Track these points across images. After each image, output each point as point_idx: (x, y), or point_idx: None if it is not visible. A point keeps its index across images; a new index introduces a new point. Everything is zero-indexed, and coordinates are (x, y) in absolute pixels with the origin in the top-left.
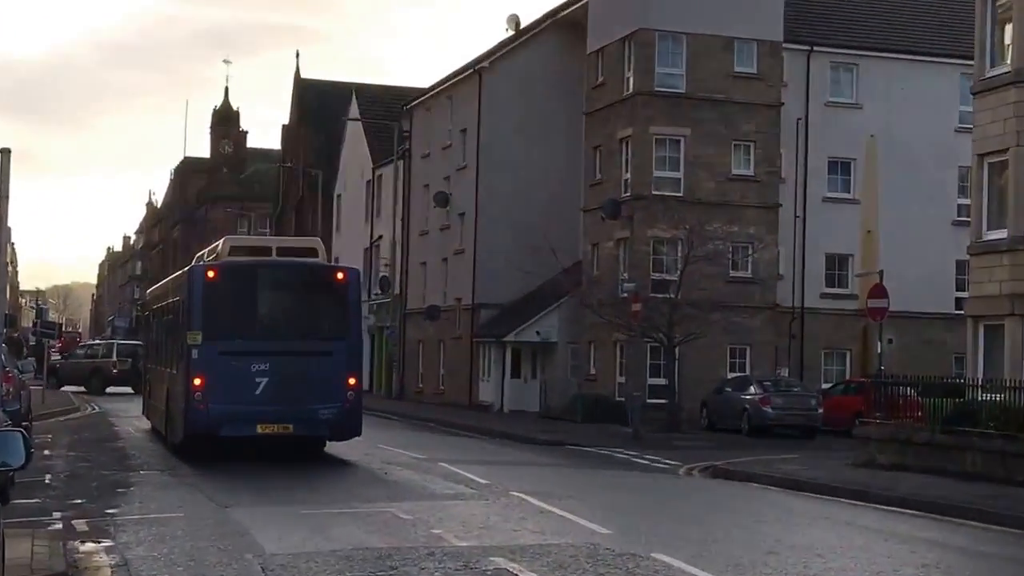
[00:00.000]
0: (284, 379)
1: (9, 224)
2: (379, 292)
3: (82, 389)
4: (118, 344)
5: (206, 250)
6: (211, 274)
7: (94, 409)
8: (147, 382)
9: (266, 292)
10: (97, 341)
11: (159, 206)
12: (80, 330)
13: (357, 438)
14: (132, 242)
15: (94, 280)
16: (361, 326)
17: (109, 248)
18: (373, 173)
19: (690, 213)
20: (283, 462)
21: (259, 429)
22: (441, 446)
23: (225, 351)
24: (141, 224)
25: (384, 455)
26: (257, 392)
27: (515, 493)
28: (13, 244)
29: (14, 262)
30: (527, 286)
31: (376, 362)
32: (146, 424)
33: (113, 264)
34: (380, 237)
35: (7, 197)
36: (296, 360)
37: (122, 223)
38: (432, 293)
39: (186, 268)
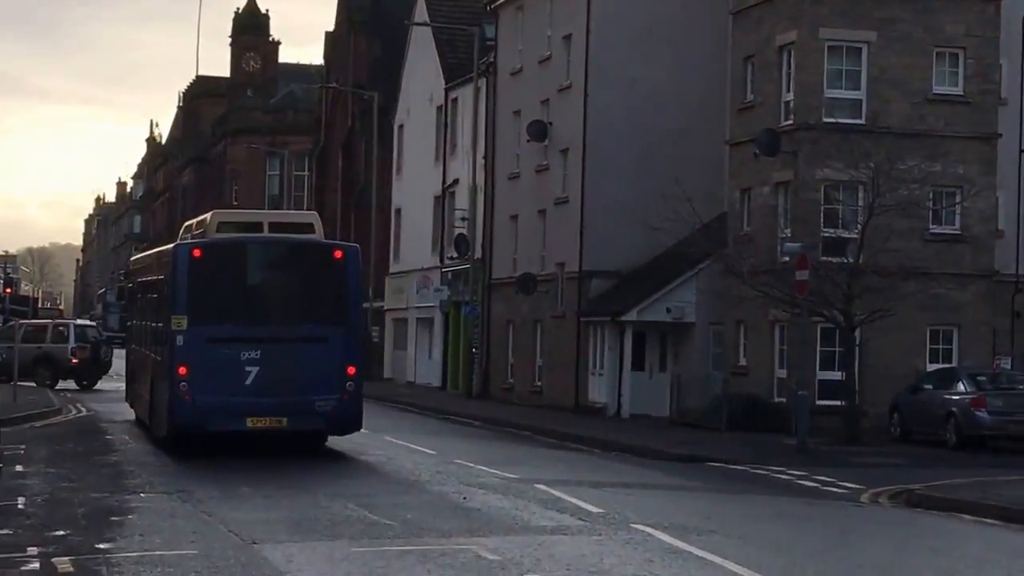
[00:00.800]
0: (277, 368)
1: None
2: (454, 256)
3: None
4: (75, 326)
5: (193, 221)
6: (197, 252)
7: (80, 411)
8: (130, 365)
9: (257, 272)
10: (42, 320)
11: (164, 142)
12: (61, 306)
13: (430, 451)
14: (129, 190)
15: (79, 241)
16: (360, 310)
17: (99, 198)
18: (446, 96)
19: (876, 147)
20: (326, 481)
21: (249, 423)
22: (538, 462)
23: (212, 337)
24: (140, 166)
25: (462, 474)
26: (247, 382)
27: (638, 526)
28: None
29: None
30: (653, 247)
31: (450, 350)
32: (147, 433)
33: (105, 220)
34: (455, 182)
35: None
36: (290, 347)
37: (116, 165)
38: (526, 257)
39: (170, 245)
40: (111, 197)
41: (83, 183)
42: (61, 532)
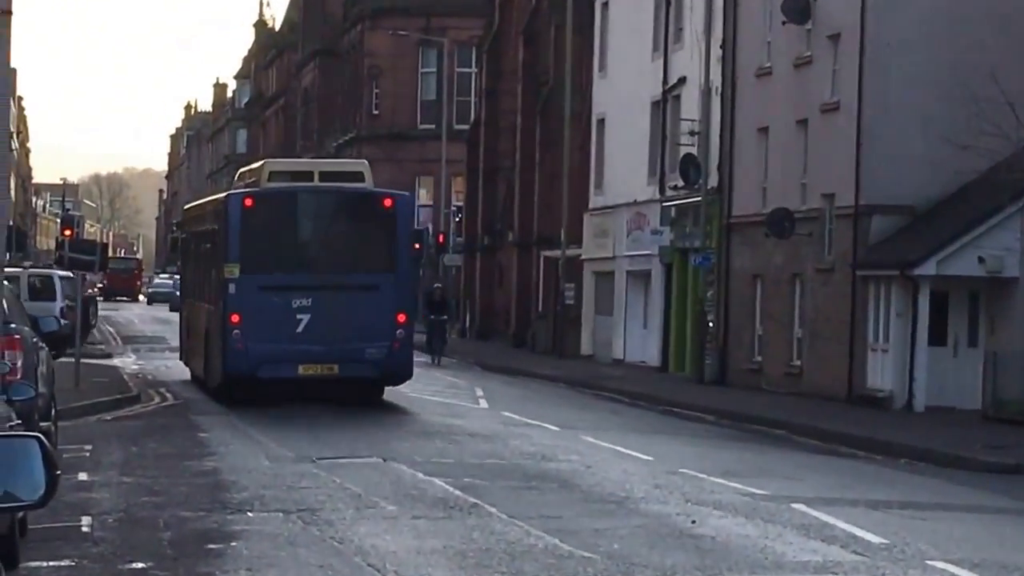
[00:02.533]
0: (327, 316)
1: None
2: (679, 186)
3: None
4: (60, 277)
5: (247, 170)
6: (248, 202)
7: (165, 398)
8: (184, 320)
9: (307, 221)
10: (11, 268)
11: (278, 28)
12: (139, 254)
13: (645, 457)
14: (231, 95)
15: (163, 165)
16: (410, 258)
17: (189, 107)
18: None
19: None
20: (499, 496)
21: (301, 370)
22: (796, 473)
23: (264, 286)
24: (246, 62)
25: (690, 488)
26: (299, 330)
27: (936, 563)
28: (21, 100)
29: (21, 133)
30: (960, 173)
31: (674, 317)
32: (255, 431)
33: (197, 136)
34: (681, 81)
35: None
36: (340, 295)
37: (212, 61)
38: (780, 186)
39: (222, 195)
40: (206, 105)
41: (167, 86)
42: (140, 564)
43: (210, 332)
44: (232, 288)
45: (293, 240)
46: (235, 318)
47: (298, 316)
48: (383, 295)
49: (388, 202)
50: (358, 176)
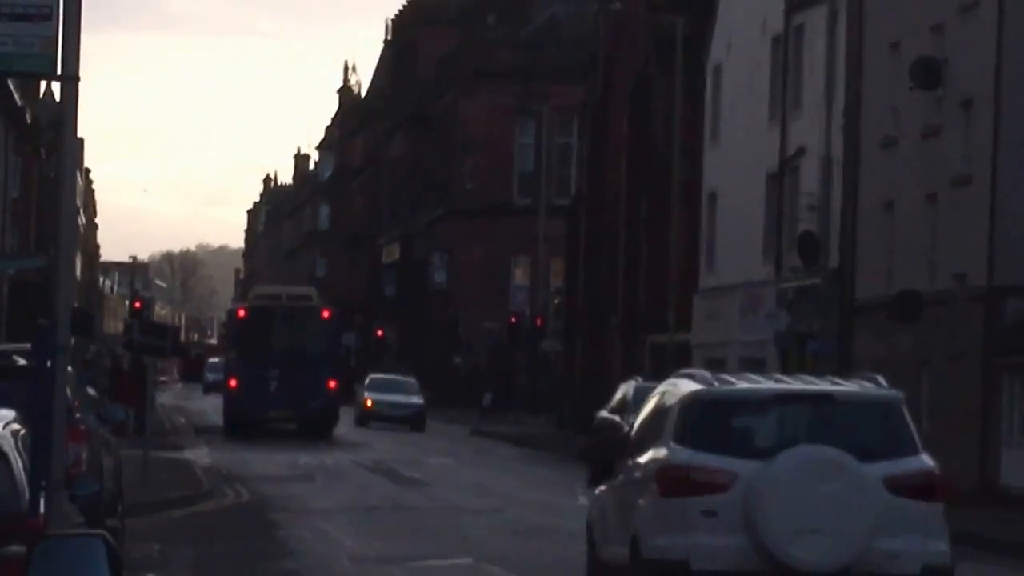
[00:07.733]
0: (287, 382)
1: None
2: (796, 266)
3: None
4: None
5: (250, 292)
6: (241, 313)
7: (240, 495)
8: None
9: (277, 325)
10: None
11: (363, 94)
12: (213, 339)
13: None
14: (313, 166)
15: (239, 242)
16: (340, 346)
17: (268, 179)
18: (787, 21)
19: None
20: None
21: (271, 414)
22: None
23: (250, 363)
24: (330, 131)
25: None
26: (270, 391)
27: None
28: (88, 172)
29: (89, 207)
30: None
31: None
32: (344, 535)
33: (276, 210)
34: (800, 152)
35: (74, 132)
36: (295, 369)
37: (293, 130)
38: (906, 266)
39: (230, 307)
40: (286, 177)
41: (244, 157)
42: None
43: (223, 393)
44: (232, 365)
45: (268, 336)
46: (232, 383)
47: (270, 382)
48: (322, 369)
49: (326, 314)
50: (310, 297)
